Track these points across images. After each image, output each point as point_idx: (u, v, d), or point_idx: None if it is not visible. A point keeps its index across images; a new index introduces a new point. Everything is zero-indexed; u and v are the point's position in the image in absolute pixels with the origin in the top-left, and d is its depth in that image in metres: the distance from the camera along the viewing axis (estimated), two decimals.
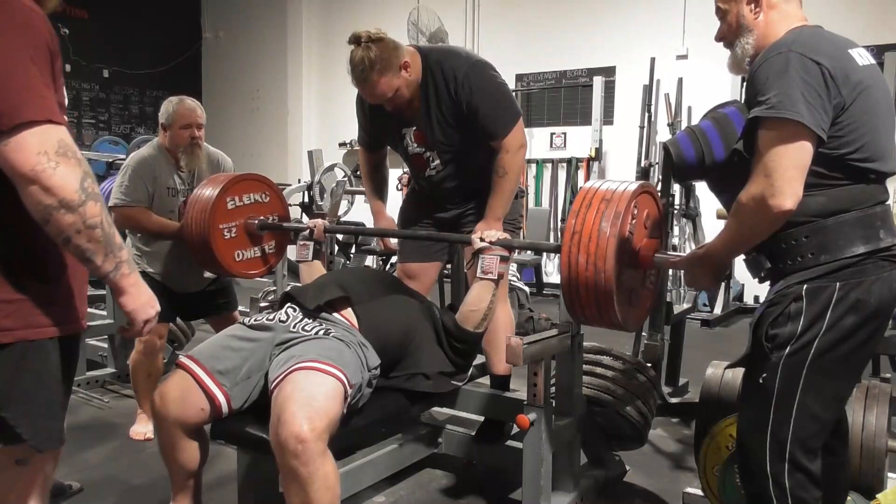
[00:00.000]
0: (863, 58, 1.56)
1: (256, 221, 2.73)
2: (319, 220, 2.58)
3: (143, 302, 1.30)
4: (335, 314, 2.04)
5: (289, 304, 2.07)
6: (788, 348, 1.53)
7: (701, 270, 1.71)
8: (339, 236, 5.42)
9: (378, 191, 2.76)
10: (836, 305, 1.49)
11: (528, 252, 7.01)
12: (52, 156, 1.09)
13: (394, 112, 2.38)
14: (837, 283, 1.49)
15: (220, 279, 3.06)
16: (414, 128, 2.44)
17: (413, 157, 2.51)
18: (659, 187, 3.74)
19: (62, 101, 1.22)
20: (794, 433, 1.54)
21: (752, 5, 1.64)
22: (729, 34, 1.71)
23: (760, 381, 1.58)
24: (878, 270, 1.51)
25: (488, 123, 2.32)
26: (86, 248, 1.16)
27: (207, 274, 2.96)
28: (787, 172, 1.42)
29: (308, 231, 2.53)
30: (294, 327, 1.96)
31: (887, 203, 1.57)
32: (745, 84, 1.60)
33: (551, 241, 7.18)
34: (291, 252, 2.87)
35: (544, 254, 6.90)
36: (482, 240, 2.15)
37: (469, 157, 2.44)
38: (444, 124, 2.37)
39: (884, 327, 1.60)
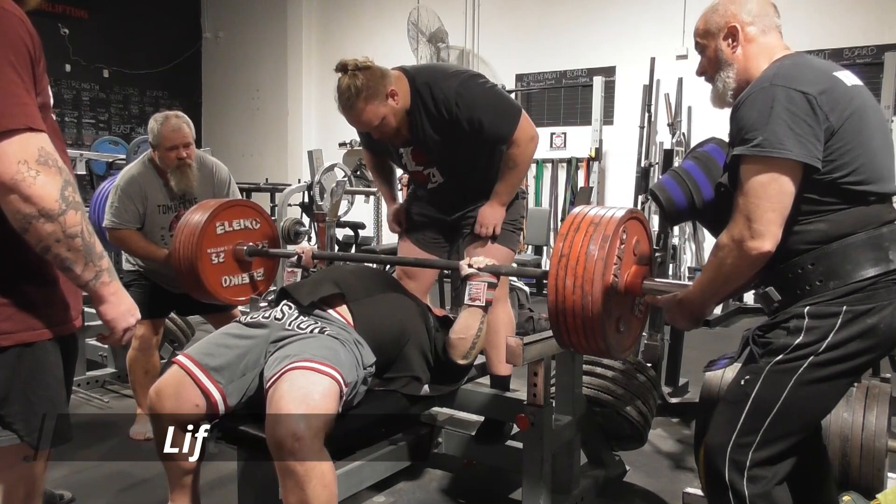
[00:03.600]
0: (850, 79, 1.54)
1: (245, 247, 2.70)
2: (307, 246, 2.55)
3: (122, 311, 1.29)
4: (330, 311, 2.03)
5: (284, 302, 2.07)
6: (780, 356, 1.50)
7: (678, 314, 1.69)
8: (339, 235, 5.42)
9: (387, 181, 2.79)
10: (840, 328, 1.45)
11: (528, 247, 7.02)
12: (32, 164, 1.08)
13: (381, 140, 2.37)
14: (844, 307, 1.45)
15: None
16: (411, 147, 2.43)
17: (413, 173, 2.52)
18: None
19: (47, 101, 1.21)
20: (759, 444, 1.50)
21: (730, 40, 1.64)
22: (709, 68, 1.71)
23: (742, 382, 1.55)
24: (890, 295, 1.47)
25: (495, 131, 2.32)
26: (65, 258, 1.16)
27: None
28: (766, 215, 1.43)
29: (296, 258, 2.49)
30: (289, 325, 1.95)
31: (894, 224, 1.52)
32: (729, 119, 1.57)
33: (551, 241, 7.18)
34: None
35: (544, 254, 6.90)
36: (470, 266, 2.12)
37: (469, 167, 2.45)
38: (440, 144, 2.36)
39: (884, 355, 1.58)
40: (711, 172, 1.72)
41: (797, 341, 1.48)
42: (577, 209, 1.84)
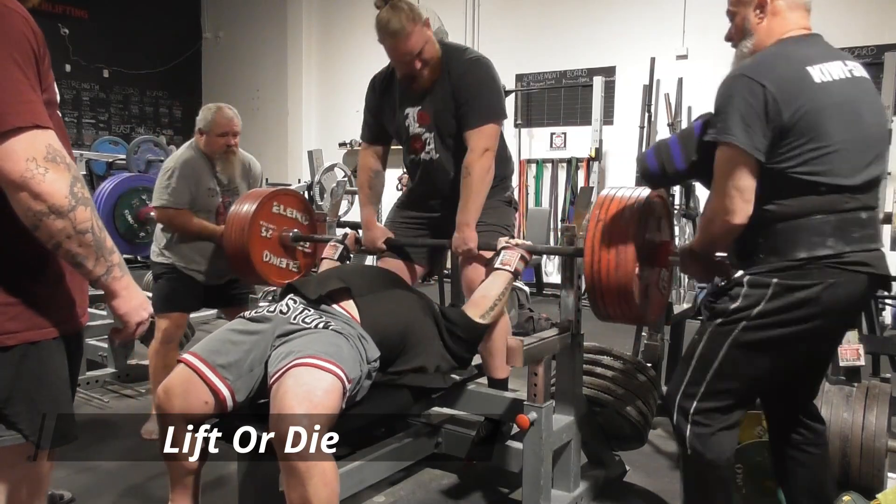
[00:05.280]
0: (827, 74, 1.61)
1: (291, 233, 2.89)
2: (352, 231, 2.74)
3: (135, 305, 1.29)
4: (335, 306, 2.03)
5: (289, 296, 2.07)
6: (720, 319, 1.69)
7: (688, 260, 1.90)
8: (339, 235, 5.44)
9: (373, 200, 2.73)
10: (770, 299, 1.62)
11: None
12: (40, 162, 1.09)
13: (409, 78, 2.44)
14: (775, 279, 1.62)
15: None
16: (419, 108, 2.51)
17: (412, 137, 2.56)
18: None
19: (53, 98, 1.21)
20: (703, 395, 1.71)
21: (759, 10, 1.72)
22: (735, 35, 1.81)
23: (692, 341, 1.77)
24: (824, 276, 1.59)
25: (466, 111, 2.41)
26: (77, 253, 1.16)
27: None
28: (731, 192, 1.61)
29: (343, 235, 2.70)
30: (294, 319, 1.95)
31: (855, 213, 1.61)
32: None
33: (551, 241, 7.19)
34: None
35: (543, 255, 6.89)
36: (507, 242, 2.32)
37: (458, 147, 2.49)
38: (442, 111, 2.46)
39: (832, 330, 1.73)
40: (686, 147, 1.88)
41: (734, 306, 1.67)
42: (606, 190, 2.06)
